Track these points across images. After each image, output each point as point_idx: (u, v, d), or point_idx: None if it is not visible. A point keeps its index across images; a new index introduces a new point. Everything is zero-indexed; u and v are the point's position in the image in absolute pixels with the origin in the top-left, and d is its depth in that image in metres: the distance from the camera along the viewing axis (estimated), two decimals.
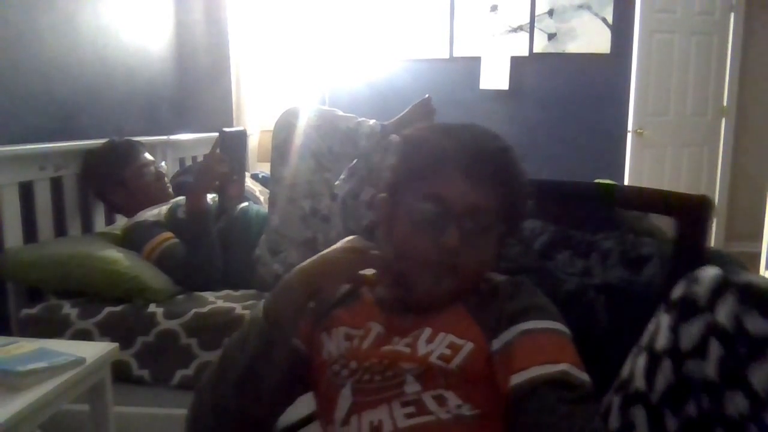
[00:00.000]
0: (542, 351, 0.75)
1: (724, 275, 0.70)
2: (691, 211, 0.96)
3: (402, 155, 0.91)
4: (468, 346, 0.79)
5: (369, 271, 0.87)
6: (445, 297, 0.85)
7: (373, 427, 0.75)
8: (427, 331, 0.82)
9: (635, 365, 0.74)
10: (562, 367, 0.72)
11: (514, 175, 0.87)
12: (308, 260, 0.83)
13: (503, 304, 0.83)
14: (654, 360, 0.71)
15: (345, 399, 0.80)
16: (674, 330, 0.70)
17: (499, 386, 0.75)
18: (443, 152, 0.85)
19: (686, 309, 0.70)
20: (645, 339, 0.74)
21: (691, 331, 0.68)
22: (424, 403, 0.76)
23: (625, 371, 0.76)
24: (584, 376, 0.73)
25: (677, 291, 0.72)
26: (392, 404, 0.77)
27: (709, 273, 0.70)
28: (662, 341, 0.71)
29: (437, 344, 0.80)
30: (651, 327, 0.75)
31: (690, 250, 0.96)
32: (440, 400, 0.76)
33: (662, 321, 0.72)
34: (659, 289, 0.98)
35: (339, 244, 0.84)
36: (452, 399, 0.75)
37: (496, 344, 0.79)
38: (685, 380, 0.68)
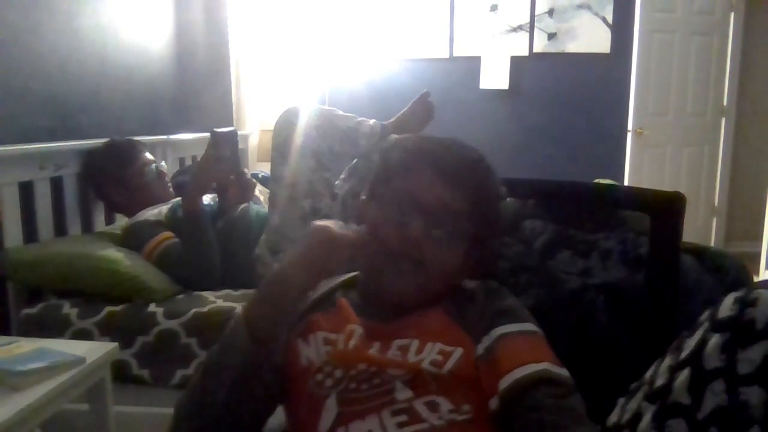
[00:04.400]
0: (523, 352, 0.76)
1: None
2: (664, 208, 0.98)
3: (382, 159, 0.94)
4: (458, 352, 0.79)
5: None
6: (412, 295, 0.85)
7: None
8: (415, 343, 0.80)
9: (674, 379, 0.70)
10: (544, 365, 0.74)
11: (486, 186, 0.89)
12: (281, 266, 0.80)
13: (481, 309, 0.84)
14: (702, 377, 0.66)
15: (330, 410, 0.76)
16: (728, 352, 0.65)
17: (485, 391, 0.76)
18: (419, 152, 0.89)
19: (742, 333, 0.65)
20: (686, 354, 0.70)
21: (750, 357, 0.64)
22: (416, 410, 0.74)
23: (657, 381, 0.73)
24: (564, 372, 0.75)
25: (726, 310, 0.67)
26: (382, 413, 0.74)
27: (767, 296, 0.65)
28: (714, 361, 0.66)
29: (427, 353, 0.79)
30: (691, 342, 0.70)
31: (665, 246, 0.97)
32: (432, 407, 0.74)
33: (711, 340, 0.67)
34: (646, 286, 0.99)
35: (311, 237, 0.80)
36: (444, 404, 0.75)
37: (480, 349, 0.79)
38: (741, 405, 0.64)
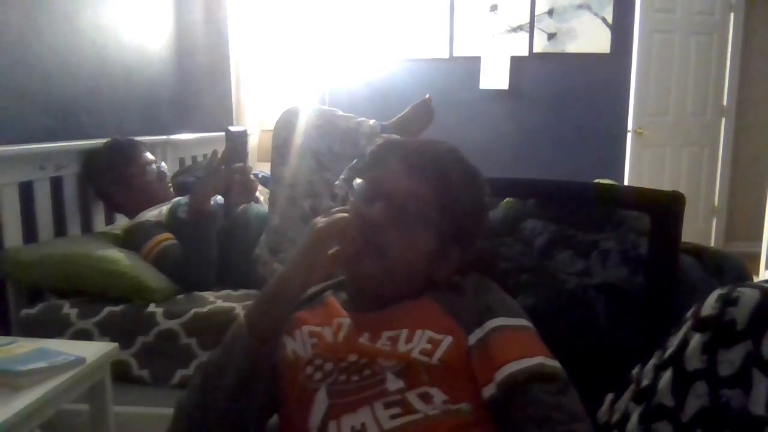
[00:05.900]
0: (517, 346, 0.77)
1: (766, 300, 0.63)
2: (664, 208, 0.98)
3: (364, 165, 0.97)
4: (447, 340, 0.79)
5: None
6: (375, 282, 0.85)
7: (356, 431, 0.72)
8: (404, 333, 0.80)
9: (658, 379, 0.70)
10: (538, 359, 0.75)
11: (455, 177, 0.88)
12: (283, 268, 0.82)
13: (472, 301, 0.84)
14: (685, 379, 0.66)
15: (320, 403, 0.76)
16: (709, 352, 0.65)
17: (478, 380, 0.76)
18: (391, 145, 0.95)
19: (723, 333, 0.64)
20: (669, 353, 0.70)
21: (731, 359, 0.63)
22: (409, 402, 0.73)
23: (643, 381, 0.73)
24: (558, 365, 0.76)
25: (708, 309, 0.66)
26: (374, 405, 0.74)
27: (749, 295, 0.64)
28: (695, 362, 0.66)
29: (417, 341, 0.79)
30: (675, 341, 0.70)
31: (665, 246, 0.98)
32: (425, 398, 0.74)
33: (693, 340, 0.67)
34: (645, 286, 0.99)
35: (306, 236, 0.82)
36: (437, 395, 0.74)
37: (472, 340, 0.79)
38: (723, 406, 0.63)
